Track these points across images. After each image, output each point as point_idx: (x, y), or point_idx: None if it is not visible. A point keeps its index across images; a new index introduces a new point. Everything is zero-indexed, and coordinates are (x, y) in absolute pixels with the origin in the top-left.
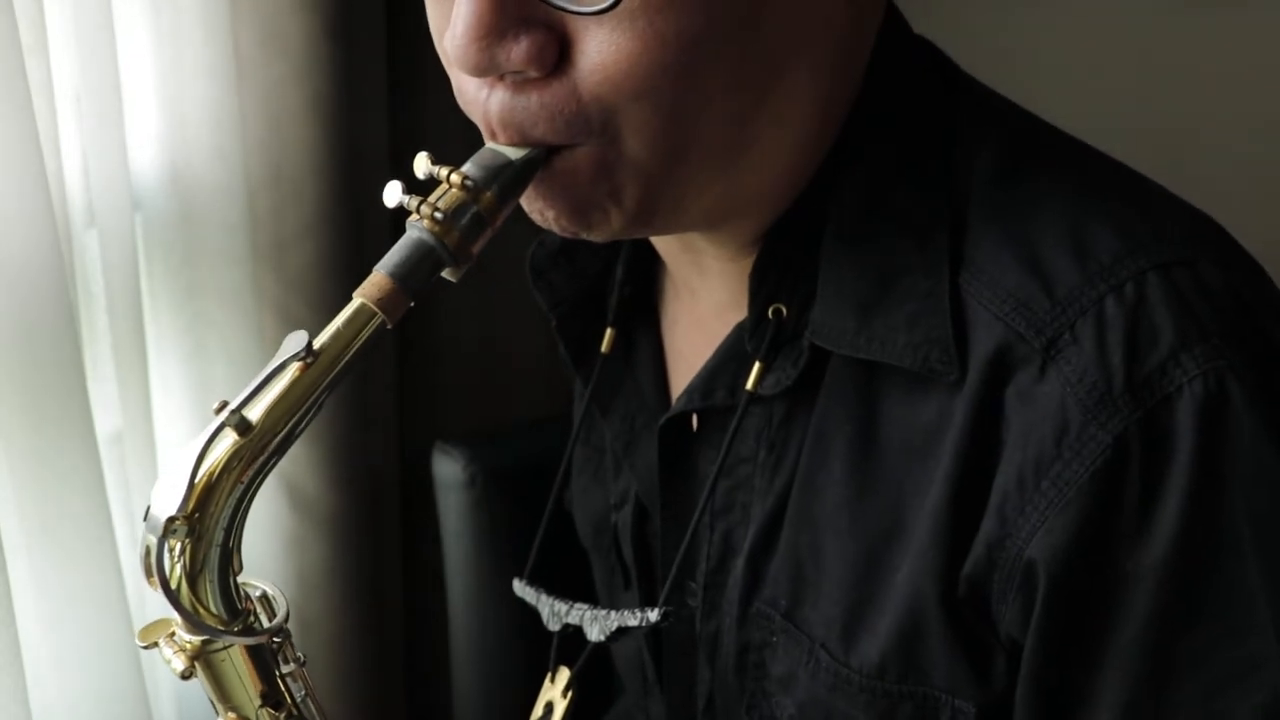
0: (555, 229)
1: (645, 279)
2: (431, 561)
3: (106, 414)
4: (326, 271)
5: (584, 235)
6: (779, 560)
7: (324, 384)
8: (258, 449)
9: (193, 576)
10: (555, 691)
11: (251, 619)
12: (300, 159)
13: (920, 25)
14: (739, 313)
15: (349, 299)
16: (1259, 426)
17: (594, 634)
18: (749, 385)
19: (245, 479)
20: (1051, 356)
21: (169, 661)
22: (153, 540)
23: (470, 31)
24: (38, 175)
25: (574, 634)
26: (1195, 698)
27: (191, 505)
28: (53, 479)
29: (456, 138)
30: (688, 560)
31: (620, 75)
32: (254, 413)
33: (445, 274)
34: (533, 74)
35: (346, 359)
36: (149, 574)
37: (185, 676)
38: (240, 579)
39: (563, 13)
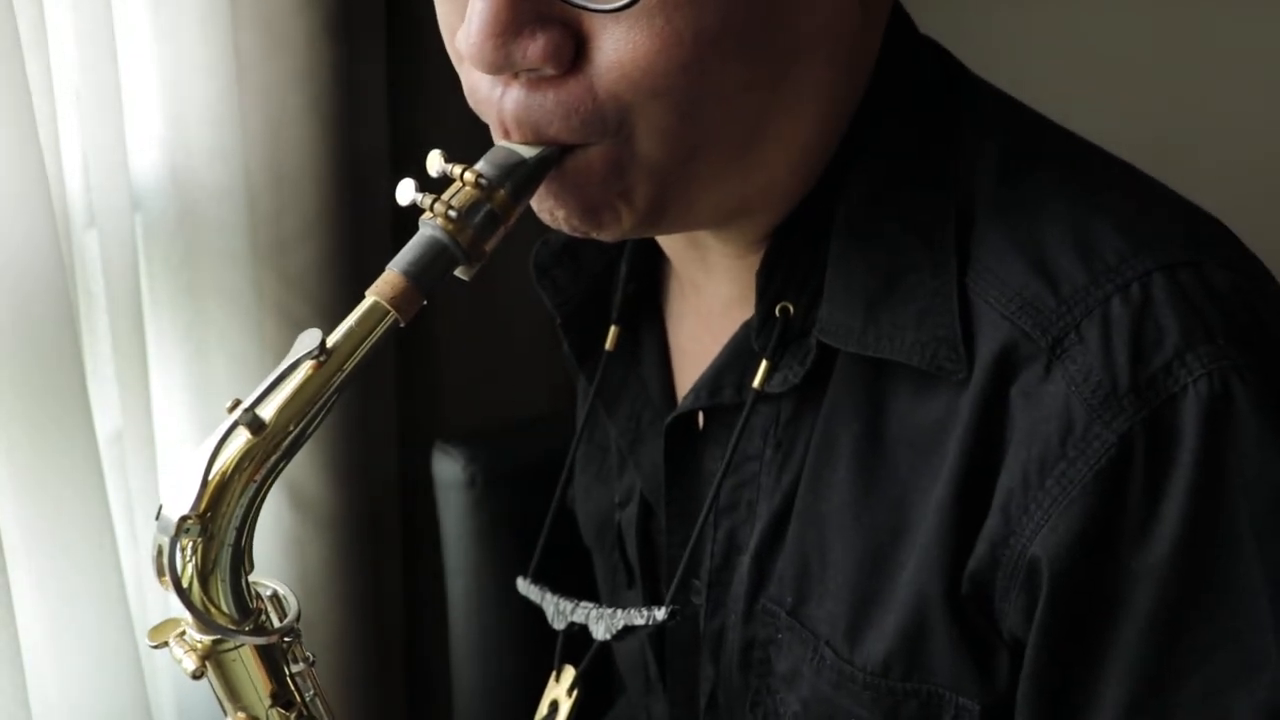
0: (565, 228)
1: (650, 276)
2: (431, 561)
3: (106, 414)
4: (326, 271)
5: (593, 235)
6: (785, 557)
7: (337, 382)
8: (270, 448)
9: (205, 576)
10: (560, 690)
11: (262, 618)
12: (300, 159)
13: (923, 24)
14: (745, 310)
15: (349, 299)
16: (1263, 427)
17: (600, 633)
18: (756, 383)
19: (258, 478)
20: (1057, 356)
21: (179, 661)
22: (165, 540)
23: (486, 28)
24: (38, 175)
25: (578, 633)
26: (1197, 696)
27: (204, 505)
28: (53, 479)
29: (457, 138)
30: (692, 558)
31: (638, 73)
32: (266, 411)
33: (458, 272)
34: (549, 72)
35: (359, 357)
36: (160, 574)
37: (196, 676)
38: (251, 578)
39: (579, 11)
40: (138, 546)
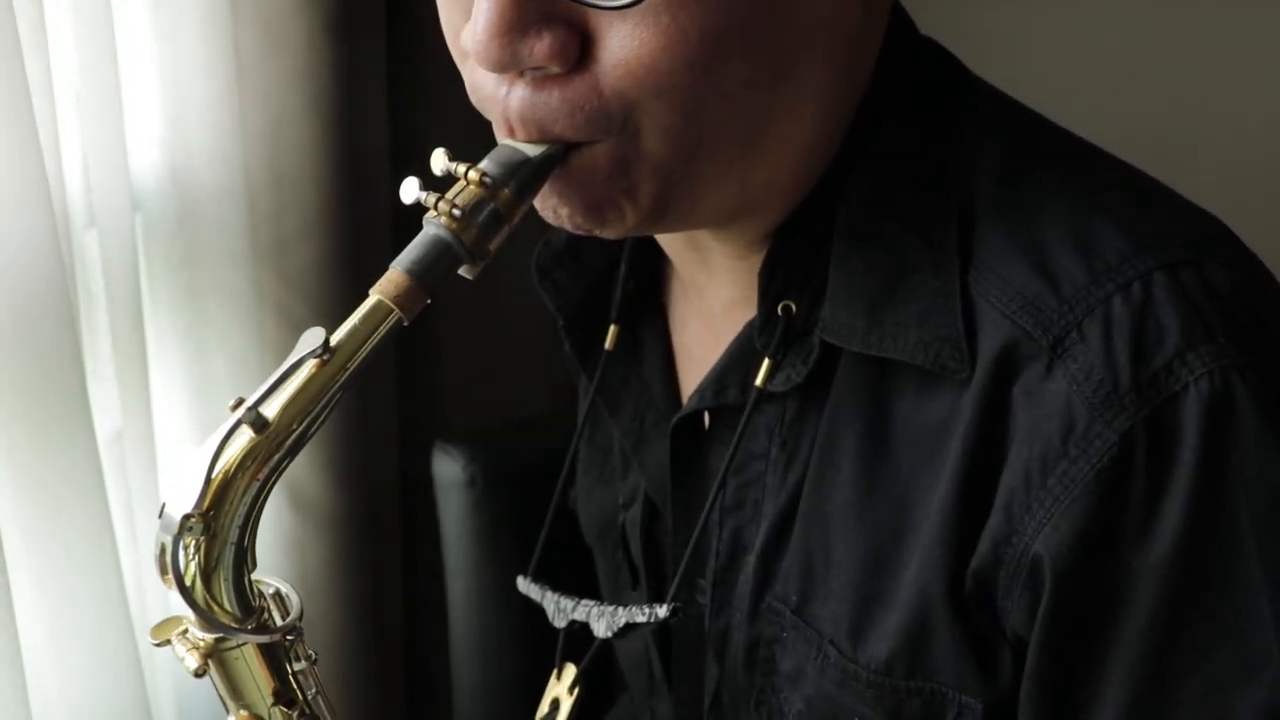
0: (569, 226)
1: (651, 277)
2: (431, 561)
3: (106, 414)
4: (326, 271)
5: (596, 232)
6: (790, 557)
7: (340, 381)
8: (274, 446)
9: (207, 574)
10: (561, 688)
11: (265, 617)
12: (300, 159)
13: (922, 24)
14: (748, 311)
15: (350, 299)
16: (1264, 425)
17: (601, 630)
18: (758, 382)
19: (261, 476)
20: (1058, 355)
21: (182, 659)
22: (167, 539)
23: (492, 27)
24: (38, 175)
25: (578, 631)
26: (1198, 695)
27: (207, 503)
28: (53, 479)
29: (457, 137)
30: (697, 557)
31: (643, 71)
32: (270, 410)
33: (462, 271)
34: (554, 70)
35: (363, 356)
36: (163, 572)
37: (199, 674)
38: (253, 577)
39: (585, 9)
40: (138, 546)
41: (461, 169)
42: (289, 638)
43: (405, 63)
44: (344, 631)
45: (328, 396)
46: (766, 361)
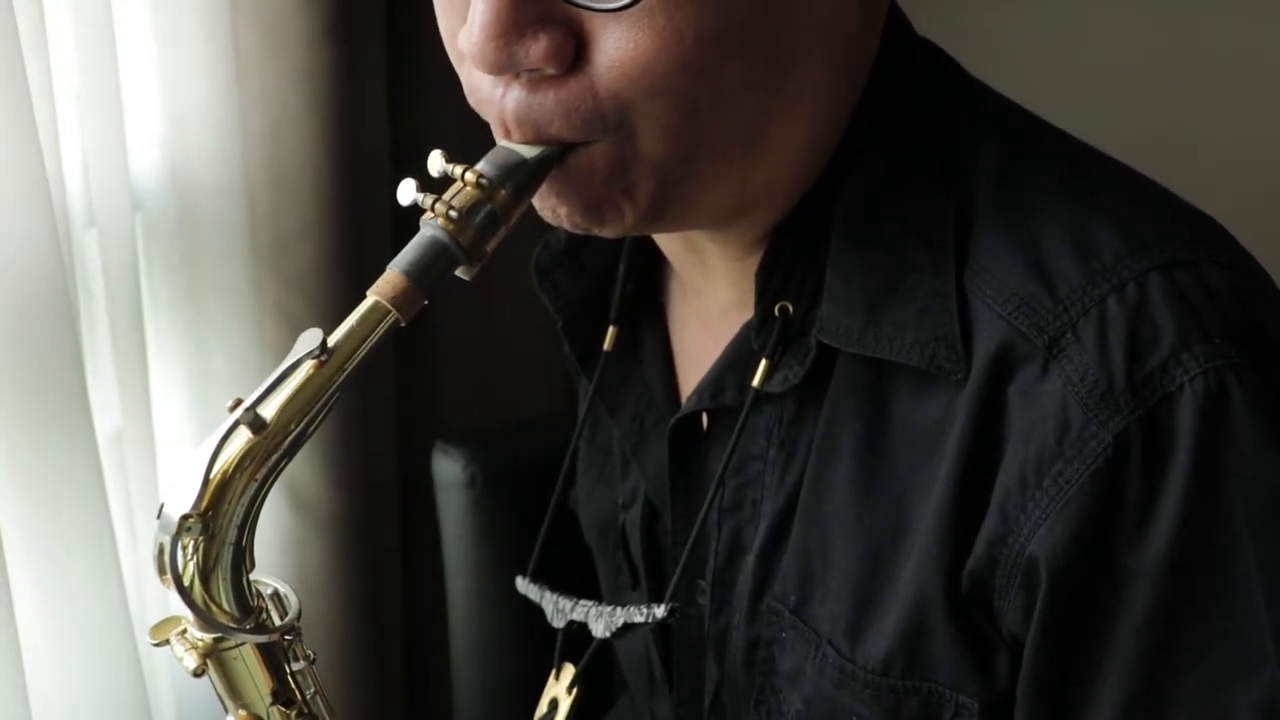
0: (567, 226)
1: (649, 277)
2: (431, 561)
3: (106, 414)
4: (326, 271)
5: (595, 232)
6: (789, 557)
7: (338, 382)
8: (272, 446)
9: (206, 574)
10: (560, 688)
11: (263, 616)
12: (300, 159)
13: (921, 24)
14: (745, 312)
15: (349, 299)
16: (1259, 426)
17: (599, 630)
18: (755, 382)
19: (259, 477)
20: (1054, 355)
21: (180, 659)
22: (166, 539)
23: (488, 29)
24: (38, 175)
25: (577, 632)
26: (1193, 694)
27: (206, 503)
28: (53, 479)
29: (456, 138)
30: (696, 558)
31: (638, 72)
32: (268, 410)
33: (459, 272)
34: (550, 71)
35: (360, 357)
36: (162, 572)
37: (197, 674)
38: (251, 576)
39: (581, 10)
40: (138, 546)
41: (458, 170)
42: (287, 638)
43: (405, 63)
44: (344, 631)
45: (325, 397)
46: (764, 362)
